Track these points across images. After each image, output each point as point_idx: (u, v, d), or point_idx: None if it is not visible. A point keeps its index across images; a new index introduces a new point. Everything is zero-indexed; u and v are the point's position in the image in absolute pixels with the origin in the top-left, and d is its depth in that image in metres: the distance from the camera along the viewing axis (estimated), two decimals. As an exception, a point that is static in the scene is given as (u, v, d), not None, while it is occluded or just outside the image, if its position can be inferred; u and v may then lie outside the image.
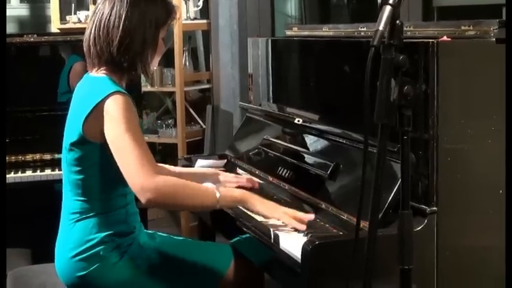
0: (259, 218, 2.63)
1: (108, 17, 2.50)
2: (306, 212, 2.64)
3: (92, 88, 2.50)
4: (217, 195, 2.51)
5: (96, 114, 2.43)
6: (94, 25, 2.54)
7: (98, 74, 2.55)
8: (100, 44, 2.51)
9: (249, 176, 3.13)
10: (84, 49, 2.59)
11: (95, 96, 2.44)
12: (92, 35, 2.54)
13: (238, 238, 2.78)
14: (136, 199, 2.58)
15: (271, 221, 2.61)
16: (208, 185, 2.87)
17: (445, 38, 2.45)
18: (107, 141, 2.43)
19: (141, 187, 2.37)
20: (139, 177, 2.37)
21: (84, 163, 2.50)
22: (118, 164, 2.41)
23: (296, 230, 2.51)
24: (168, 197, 2.43)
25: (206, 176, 3.05)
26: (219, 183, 2.99)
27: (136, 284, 2.55)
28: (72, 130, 2.51)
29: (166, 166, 3.02)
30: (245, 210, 2.67)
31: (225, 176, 3.04)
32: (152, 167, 2.40)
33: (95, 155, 2.49)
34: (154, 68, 2.67)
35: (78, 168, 2.52)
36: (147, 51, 2.54)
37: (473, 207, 2.40)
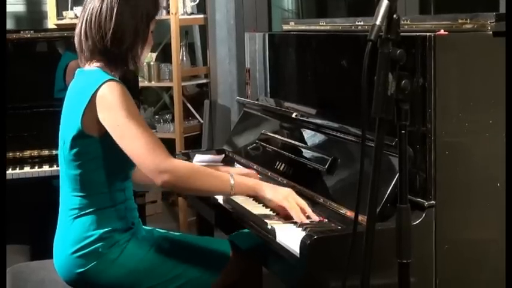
0: (256, 212, 2.64)
1: (99, 11, 2.50)
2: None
3: (86, 80, 2.50)
4: (232, 182, 2.52)
5: (92, 105, 2.43)
6: (85, 19, 2.53)
7: (90, 67, 2.55)
8: (92, 37, 2.51)
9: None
10: (76, 44, 2.58)
11: (90, 88, 2.44)
12: (83, 30, 2.53)
13: (236, 232, 2.79)
14: (135, 195, 2.59)
15: (268, 215, 2.62)
16: None
17: (442, 31, 2.45)
18: (108, 128, 2.42)
19: (157, 169, 2.38)
20: (154, 159, 2.38)
21: (83, 158, 2.50)
22: (126, 150, 2.41)
23: (293, 223, 2.51)
24: (184, 180, 2.44)
25: None
26: None
27: (135, 280, 2.55)
28: (69, 125, 2.50)
29: None
30: (243, 205, 2.67)
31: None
32: (164, 149, 2.41)
33: (93, 149, 2.49)
34: (144, 60, 2.67)
35: (77, 164, 2.51)
36: (138, 44, 2.54)
37: (471, 200, 2.41)
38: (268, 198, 2.59)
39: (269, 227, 2.44)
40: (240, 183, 2.55)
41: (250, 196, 2.69)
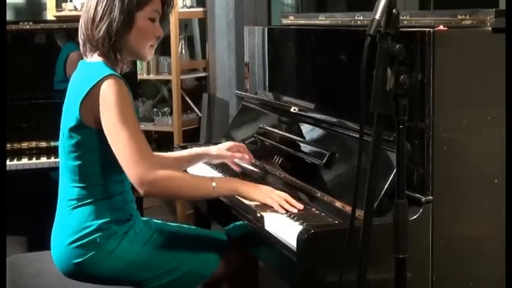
0: (253, 205, 2.64)
1: (90, 3, 2.54)
2: (299, 199, 2.67)
3: (87, 73, 2.51)
4: (213, 185, 2.55)
5: (91, 98, 2.44)
6: (84, 11, 2.58)
7: (92, 60, 2.56)
8: (86, 27, 2.55)
9: (239, 154, 3.11)
10: (78, 36, 2.60)
11: (90, 80, 2.45)
12: (82, 21, 2.57)
13: (232, 225, 2.79)
14: (133, 188, 2.59)
15: (263, 206, 2.63)
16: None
17: (441, 27, 2.44)
18: (103, 126, 2.44)
19: (139, 179, 2.39)
20: (137, 169, 2.39)
21: (81, 149, 2.51)
22: (115, 153, 2.42)
23: (289, 216, 2.54)
24: (166, 189, 2.47)
25: (199, 156, 3.09)
26: (213, 160, 3.12)
27: (132, 271, 2.55)
28: (69, 115, 2.51)
29: (162, 154, 3.03)
30: (240, 198, 2.68)
31: (218, 153, 3.09)
32: (150, 159, 2.42)
33: (92, 140, 2.49)
34: (150, 53, 2.65)
35: (75, 155, 2.52)
36: (123, 32, 2.52)
37: (469, 196, 2.41)
38: (250, 198, 2.63)
39: (258, 215, 2.47)
40: (221, 185, 2.59)
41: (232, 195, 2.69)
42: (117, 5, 2.51)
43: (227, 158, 3.09)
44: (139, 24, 2.55)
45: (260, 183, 2.73)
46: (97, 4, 2.51)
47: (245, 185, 2.65)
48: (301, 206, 2.60)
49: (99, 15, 2.50)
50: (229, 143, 3.13)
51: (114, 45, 2.53)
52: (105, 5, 2.50)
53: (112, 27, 2.51)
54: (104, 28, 2.50)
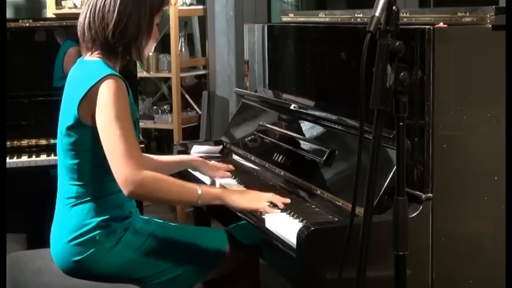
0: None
1: (103, 2, 2.50)
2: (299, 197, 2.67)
3: (87, 71, 2.50)
4: (199, 192, 2.52)
5: (90, 97, 2.43)
6: (89, 9, 2.53)
7: (92, 58, 2.55)
8: (95, 28, 2.51)
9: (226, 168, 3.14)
10: (79, 34, 2.59)
11: (90, 79, 2.44)
12: (86, 20, 2.53)
13: (233, 224, 2.79)
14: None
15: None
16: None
17: (441, 24, 2.44)
18: (97, 125, 2.43)
19: (125, 179, 2.39)
20: (124, 169, 2.38)
21: (79, 147, 2.51)
22: (105, 151, 2.42)
23: (289, 213, 2.54)
24: (151, 192, 2.45)
25: (185, 163, 3.12)
26: (199, 170, 3.09)
27: (131, 269, 2.55)
28: (67, 114, 2.51)
29: (149, 156, 3.02)
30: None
31: (204, 165, 3.09)
32: (138, 160, 2.41)
33: (89, 138, 2.49)
34: (149, 53, 2.67)
35: (74, 153, 2.52)
36: (142, 37, 2.54)
37: (469, 193, 2.41)
38: (237, 206, 2.58)
39: (258, 213, 2.47)
40: (207, 192, 2.55)
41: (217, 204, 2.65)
42: (142, 10, 2.51)
43: (211, 174, 3.10)
44: (154, 28, 2.57)
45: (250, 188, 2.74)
46: (120, 7, 2.48)
47: (231, 194, 2.59)
48: (288, 200, 2.60)
49: (125, 21, 2.49)
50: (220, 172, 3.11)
51: (127, 48, 2.53)
52: (130, 10, 2.49)
53: (138, 33, 2.51)
54: (130, 34, 2.50)
